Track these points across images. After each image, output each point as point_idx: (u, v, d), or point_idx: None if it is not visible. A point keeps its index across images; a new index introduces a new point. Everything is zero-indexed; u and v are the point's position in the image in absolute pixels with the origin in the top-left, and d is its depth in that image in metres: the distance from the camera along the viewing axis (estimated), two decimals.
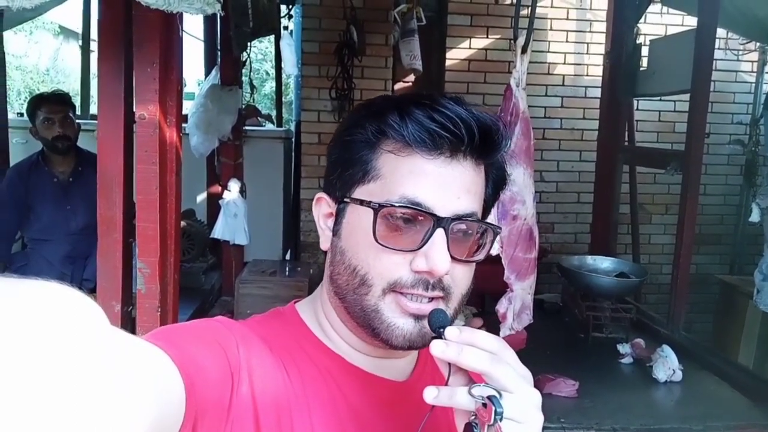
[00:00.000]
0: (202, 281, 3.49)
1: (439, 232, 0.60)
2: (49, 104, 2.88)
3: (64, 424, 0.31)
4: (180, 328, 0.61)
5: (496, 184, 0.69)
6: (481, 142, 0.62)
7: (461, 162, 0.63)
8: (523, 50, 1.62)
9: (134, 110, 1.79)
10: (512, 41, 1.68)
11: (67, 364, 0.32)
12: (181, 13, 1.66)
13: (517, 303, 1.69)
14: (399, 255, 0.62)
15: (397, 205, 0.61)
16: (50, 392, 0.30)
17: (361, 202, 0.64)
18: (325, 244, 0.69)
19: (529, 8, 1.66)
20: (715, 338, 3.76)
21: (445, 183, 0.62)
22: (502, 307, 1.72)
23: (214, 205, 3.64)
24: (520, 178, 1.53)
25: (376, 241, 0.61)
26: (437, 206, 0.61)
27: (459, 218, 0.62)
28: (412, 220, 0.62)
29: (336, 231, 0.67)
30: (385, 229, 0.62)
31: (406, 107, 0.63)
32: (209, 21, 3.77)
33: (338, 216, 0.67)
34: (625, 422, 2.06)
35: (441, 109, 0.61)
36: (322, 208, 0.70)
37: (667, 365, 2.43)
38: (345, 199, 0.66)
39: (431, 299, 0.62)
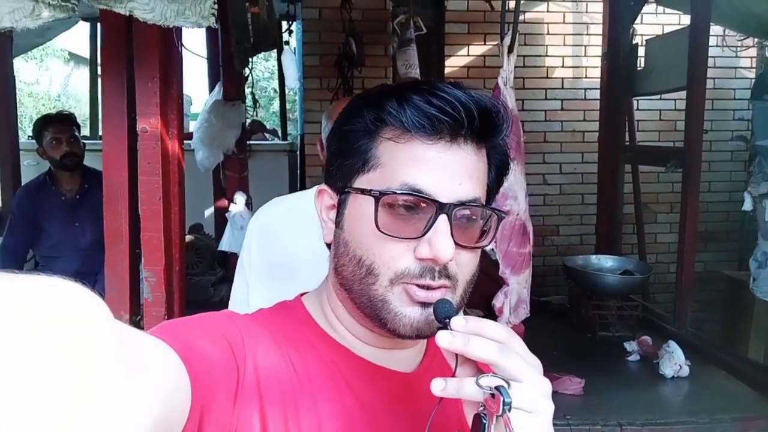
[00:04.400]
0: (211, 294, 3.53)
1: (442, 219, 0.59)
2: (56, 124, 2.95)
3: (66, 419, 0.31)
4: (184, 322, 0.61)
5: (499, 169, 0.68)
6: (481, 124, 0.61)
7: (462, 146, 0.62)
8: (509, 50, 1.66)
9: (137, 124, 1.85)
10: (499, 44, 1.73)
11: (69, 357, 0.32)
12: (180, 28, 1.72)
13: (513, 297, 1.71)
14: (403, 243, 0.61)
15: (398, 192, 0.60)
16: (53, 385, 0.30)
17: (362, 191, 0.63)
18: (328, 236, 0.69)
19: (514, 11, 1.71)
20: (725, 334, 3.74)
21: (446, 168, 0.61)
22: (498, 301, 1.74)
23: (221, 218, 3.69)
24: (511, 175, 1.54)
25: (379, 229, 0.60)
26: (439, 192, 0.60)
27: (462, 204, 0.61)
28: (415, 208, 0.61)
29: (339, 222, 0.67)
30: (387, 217, 0.61)
31: (404, 94, 0.62)
32: (211, 38, 3.85)
33: (340, 207, 0.66)
34: (631, 417, 2.06)
35: (439, 93, 0.60)
36: (324, 200, 0.69)
37: (674, 361, 2.42)
38: (346, 190, 0.65)
39: (439, 287, 0.61)
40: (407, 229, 0.61)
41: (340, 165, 0.66)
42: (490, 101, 0.63)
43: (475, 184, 0.63)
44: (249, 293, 1.47)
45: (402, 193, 0.60)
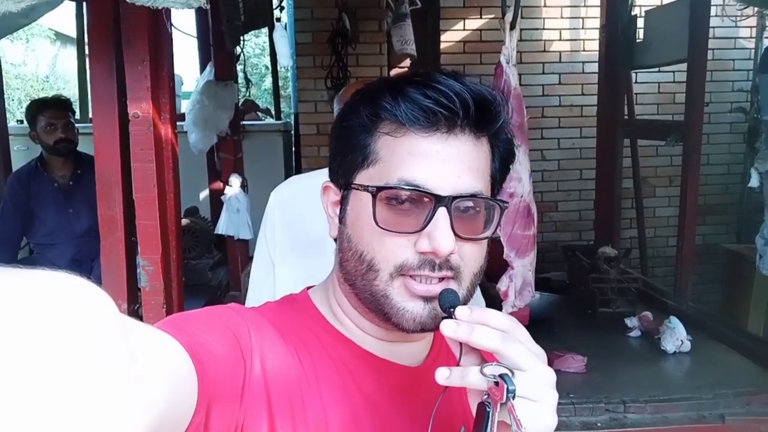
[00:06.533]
0: (210, 277, 3.51)
1: (441, 212, 0.59)
2: (52, 110, 2.89)
3: (66, 420, 0.30)
4: (190, 316, 0.61)
5: (503, 158, 0.67)
6: (477, 114, 0.61)
7: (459, 137, 0.61)
8: (512, 26, 1.62)
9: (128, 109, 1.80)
10: (500, 19, 1.68)
11: (70, 359, 0.32)
12: (169, 9, 1.66)
13: (518, 280, 1.70)
14: (403, 237, 0.61)
15: (395, 187, 0.60)
16: (53, 388, 0.30)
17: (360, 187, 0.63)
18: (333, 231, 0.69)
19: None
20: (724, 308, 3.75)
21: (443, 161, 0.61)
22: (503, 284, 1.73)
23: (216, 201, 3.65)
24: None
25: (377, 224, 0.61)
26: (437, 186, 0.60)
27: (461, 197, 0.61)
28: (414, 202, 0.61)
29: (342, 218, 0.67)
30: (385, 212, 0.61)
31: (399, 87, 0.62)
32: (201, 17, 3.76)
33: (343, 203, 0.67)
34: (634, 395, 2.07)
35: (434, 84, 0.60)
36: (329, 196, 0.70)
37: (675, 336, 2.43)
38: (348, 186, 0.66)
39: (441, 279, 0.61)
40: (406, 223, 0.61)
41: (341, 161, 0.67)
42: (486, 90, 0.63)
43: (475, 176, 0.62)
44: (275, 271, 1.44)
45: (399, 188, 0.60)
